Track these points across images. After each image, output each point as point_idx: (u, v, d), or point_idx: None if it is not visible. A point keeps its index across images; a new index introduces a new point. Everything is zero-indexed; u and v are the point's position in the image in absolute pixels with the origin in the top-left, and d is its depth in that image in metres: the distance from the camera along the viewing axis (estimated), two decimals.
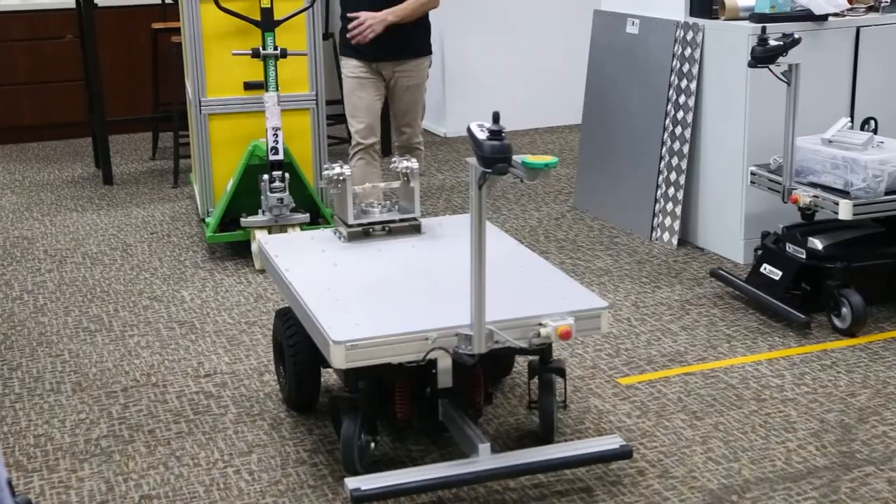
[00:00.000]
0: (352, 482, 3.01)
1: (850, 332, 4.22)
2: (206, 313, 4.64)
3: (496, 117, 2.92)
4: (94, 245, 5.64)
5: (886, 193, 4.24)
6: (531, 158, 2.86)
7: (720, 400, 3.74)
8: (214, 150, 5.39)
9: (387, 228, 3.81)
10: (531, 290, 3.36)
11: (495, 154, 2.82)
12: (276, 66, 5.08)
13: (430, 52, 5.36)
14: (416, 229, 3.84)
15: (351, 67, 5.23)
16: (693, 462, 3.33)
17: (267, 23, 4.40)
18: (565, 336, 3.08)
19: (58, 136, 8.24)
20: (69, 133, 8.22)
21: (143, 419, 3.69)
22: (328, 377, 3.85)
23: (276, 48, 4.61)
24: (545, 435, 3.40)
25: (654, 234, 5.47)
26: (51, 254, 5.51)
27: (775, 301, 4.40)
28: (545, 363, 3.35)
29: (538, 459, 3.15)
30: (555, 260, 5.15)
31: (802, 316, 4.28)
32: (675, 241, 5.35)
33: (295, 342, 3.56)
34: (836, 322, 4.27)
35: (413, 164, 3.82)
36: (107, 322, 4.57)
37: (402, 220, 3.83)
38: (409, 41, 5.22)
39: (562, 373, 3.37)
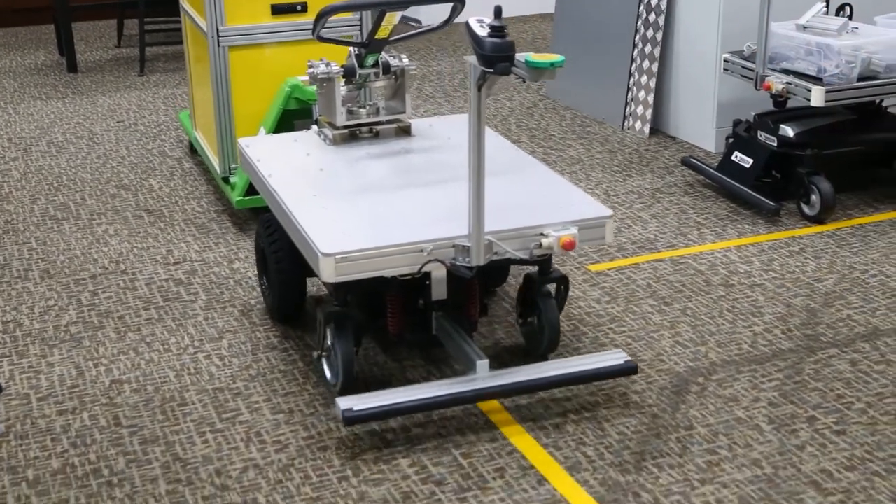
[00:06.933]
0: (343, 402, 2.81)
1: (818, 219, 4.24)
2: (174, 201, 4.60)
3: (498, 11, 2.64)
4: (59, 133, 5.55)
5: (859, 80, 4.22)
6: (535, 57, 2.62)
7: (689, 286, 3.77)
8: (236, 91, 4.37)
9: (374, 130, 3.58)
10: (532, 198, 3.14)
11: (497, 52, 2.58)
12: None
13: None
14: (405, 131, 3.60)
15: None
16: (661, 346, 3.37)
17: (377, 42, 3.60)
18: (568, 247, 2.90)
19: (21, 21, 8.06)
20: (33, 19, 8.03)
21: (113, 306, 3.68)
22: (313, 285, 3.83)
23: (376, 63, 3.55)
24: (549, 346, 3.19)
25: (626, 122, 5.44)
26: (15, 142, 5.42)
27: (746, 189, 4.40)
28: (546, 274, 3.15)
29: (539, 377, 2.97)
30: (526, 149, 5.13)
31: (772, 203, 4.29)
32: (646, 129, 5.33)
33: (278, 249, 3.38)
34: (806, 209, 4.29)
35: (405, 60, 3.53)
36: (74, 210, 4.52)
37: (390, 122, 3.59)
38: None
39: (566, 282, 3.22)
